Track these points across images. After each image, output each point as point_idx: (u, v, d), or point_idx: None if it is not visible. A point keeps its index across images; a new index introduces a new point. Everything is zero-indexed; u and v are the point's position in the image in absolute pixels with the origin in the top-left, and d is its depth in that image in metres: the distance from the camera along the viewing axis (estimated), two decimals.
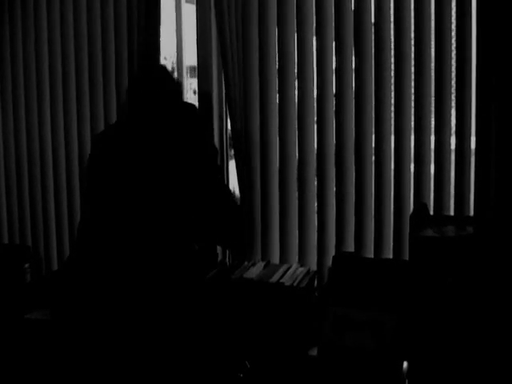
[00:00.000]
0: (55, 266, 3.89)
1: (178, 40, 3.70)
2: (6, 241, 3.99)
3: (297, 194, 3.38)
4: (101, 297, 2.51)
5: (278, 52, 3.32)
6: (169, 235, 2.56)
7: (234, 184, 3.45)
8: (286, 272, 3.15)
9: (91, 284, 2.54)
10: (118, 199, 2.60)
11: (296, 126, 3.34)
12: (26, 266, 3.73)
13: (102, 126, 3.69)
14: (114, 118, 3.67)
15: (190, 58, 3.74)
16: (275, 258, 3.42)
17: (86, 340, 2.54)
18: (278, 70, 3.33)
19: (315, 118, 3.30)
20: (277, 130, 3.37)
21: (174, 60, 3.78)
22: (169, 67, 3.04)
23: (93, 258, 2.57)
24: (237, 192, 3.39)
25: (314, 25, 3.25)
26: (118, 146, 2.71)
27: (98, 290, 2.51)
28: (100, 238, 2.60)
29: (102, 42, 3.68)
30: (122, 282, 2.50)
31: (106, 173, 2.68)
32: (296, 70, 3.31)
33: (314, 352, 2.93)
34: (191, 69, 3.92)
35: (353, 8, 3.18)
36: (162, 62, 3.65)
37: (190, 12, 3.67)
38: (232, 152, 3.57)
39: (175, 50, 3.75)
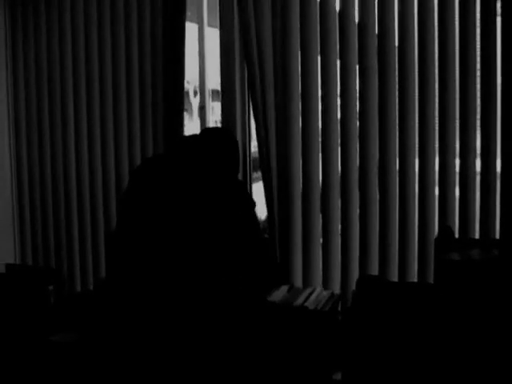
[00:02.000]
0: (78, 288, 3.91)
1: (201, 64, 3.73)
2: (30, 262, 4.01)
3: (321, 217, 3.37)
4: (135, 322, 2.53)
5: (301, 75, 3.33)
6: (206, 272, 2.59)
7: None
8: (309, 296, 3.13)
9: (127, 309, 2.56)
10: (161, 233, 2.62)
11: (320, 149, 3.34)
12: (50, 287, 3.74)
13: (125, 152, 3.73)
14: (137, 144, 3.71)
15: (213, 82, 3.77)
16: (298, 281, 3.40)
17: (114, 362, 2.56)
18: (301, 93, 3.34)
19: (339, 141, 3.29)
20: (300, 152, 3.37)
21: (197, 84, 3.80)
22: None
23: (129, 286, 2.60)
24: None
25: (338, 48, 3.27)
26: (162, 189, 2.72)
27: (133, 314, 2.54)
28: (138, 266, 2.61)
29: (125, 68, 3.73)
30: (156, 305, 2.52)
31: (150, 211, 2.69)
32: (320, 94, 3.32)
33: (338, 376, 2.91)
34: (214, 92, 3.94)
35: (376, 32, 3.18)
36: (185, 85, 3.66)
37: (212, 36, 3.70)
38: (255, 174, 3.58)
39: (198, 73, 3.77)
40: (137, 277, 2.59)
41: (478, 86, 3.04)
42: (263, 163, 3.37)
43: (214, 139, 2.82)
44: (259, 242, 2.72)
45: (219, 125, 3.63)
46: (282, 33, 3.32)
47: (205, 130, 3.00)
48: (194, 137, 2.84)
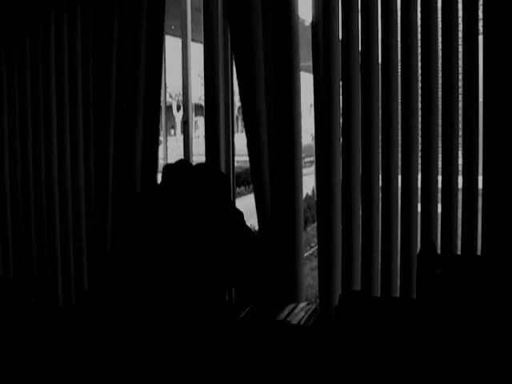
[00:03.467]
0: (61, 302, 3.88)
1: (184, 78, 3.74)
2: (11, 275, 3.99)
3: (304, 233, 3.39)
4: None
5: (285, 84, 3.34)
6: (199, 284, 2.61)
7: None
8: (292, 310, 3.14)
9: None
10: (151, 252, 2.65)
11: (302, 164, 3.37)
12: (32, 301, 3.72)
13: (104, 161, 3.71)
14: (111, 157, 3.68)
15: (195, 96, 3.78)
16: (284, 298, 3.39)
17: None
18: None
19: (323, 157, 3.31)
20: (287, 168, 3.37)
21: (180, 98, 3.80)
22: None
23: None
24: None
25: (322, 62, 3.29)
26: (155, 211, 2.76)
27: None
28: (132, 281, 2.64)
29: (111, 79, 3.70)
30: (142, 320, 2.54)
31: (145, 233, 2.72)
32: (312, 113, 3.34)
33: None
34: (197, 107, 3.95)
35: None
36: (168, 99, 3.67)
37: (196, 51, 3.72)
38: (239, 189, 3.60)
39: (181, 88, 3.78)
40: (132, 288, 2.62)
41: (461, 105, 3.07)
42: (255, 177, 3.38)
43: (205, 181, 2.86)
44: (253, 248, 2.75)
45: (203, 143, 3.63)
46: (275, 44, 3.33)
47: (195, 169, 3.00)
48: (185, 174, 2.87)
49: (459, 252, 3.08)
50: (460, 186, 3.09)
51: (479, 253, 3.03)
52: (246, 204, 3.91)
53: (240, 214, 2.80)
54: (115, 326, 2.62)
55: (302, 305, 3.22)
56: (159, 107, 3.56)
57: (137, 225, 2.78)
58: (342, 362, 2.85)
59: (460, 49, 3.05)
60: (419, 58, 3.13)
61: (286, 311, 3.12)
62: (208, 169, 2.92)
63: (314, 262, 4.86)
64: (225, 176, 2.98)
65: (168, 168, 2.91)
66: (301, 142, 3.36)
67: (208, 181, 2.80)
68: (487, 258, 2.94)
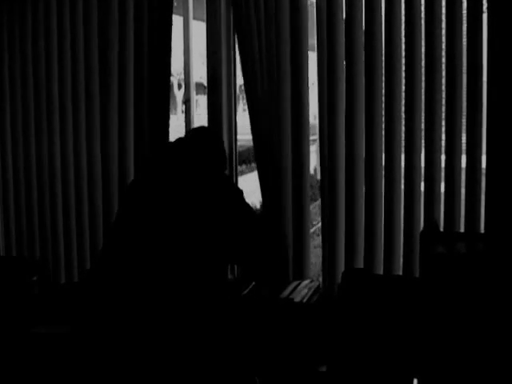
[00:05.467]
0: (63, 279, 3.88)
1: (186, 56, 3.72)
2: (14, 253, 3.98)
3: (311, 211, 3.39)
4: (121, 315, 2.54)
5: (291, 64, 3.33)
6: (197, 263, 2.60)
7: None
8: (295, 288, 3.15)
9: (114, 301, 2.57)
10: (150, 229, 2.63)
11: (309, 141, 3.37)
12: (34, 278, 3.72)
13: (107, 140, 3.71)
14: (115, 128, 3.68)
15: (196, 75, 3.77)
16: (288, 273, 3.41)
17: (103, 357, 2.56)
18: (292, 80, 3.35)
19: (327, 135, 3.32)
20: (290, 143, 3.37)
21: (181, 77, 3.78)
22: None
23: (117, 279, 2.61)
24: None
25: (326, 41, 3.28)
26: (153, 188, 2.73)
27: (119, 307, 2.55)
28: (127, 261, 2.62)
29: (118, 61, 3.67)
30: (142, 299, 2.53)
31: (141, 208, 2.70)
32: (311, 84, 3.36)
33: (323, 368, 2.93)
34: (198, 85, 3.93)
35: (363, 29, 3.21)
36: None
37: (197, 29, 3.70)
38: (240, 167, 3.59)
39: (183, 66, 3.76)
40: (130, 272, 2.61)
41: (465, 86, 3.08)
42: (258, 155, 3.37)
43: (200, 141, 2.83)
44: (255, 225, 2.74)
45: (205, 119, 3.62)
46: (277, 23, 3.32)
47: (190, 133, 2.99)
48: (180, 141, 2.85)
49: (462, 230, 3.10)
50: (463, 165, 3.10)
51: (482, 231, 3.04)
52: (247, 183, 3.91)
53: (240, 192, 2.79)
54: (116, 303, 2.61)
55: (306, 282, 3.23)
56: (168, 85, 3.56)
57: (135, 202, 2.76)
58: (344, 338, 2.87)
59: (464, 26, 3.04)
60: (423, 36, 3.12)
61: (290, 288, 3.13)
62: (204, 136, 2.88)
63: (317, 240, 4.88)
64: (220, 138, 2.97)
65: (166, 146, 2.90)
66: (308, 118, 3.36)
67: (206, 149, 2.78)
68: (490, 235, 2.95)
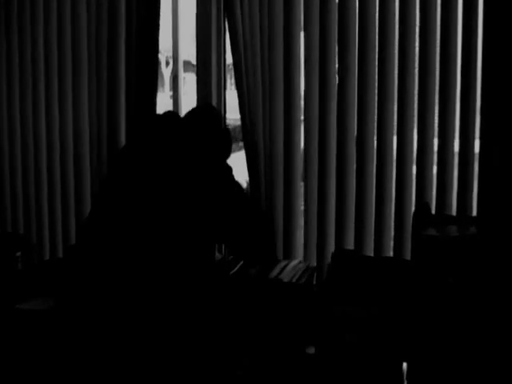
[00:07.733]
0: (47, 255, 3.84)
1: (174, 33, 3.67)
2: None
3: (302, 191, 3.38)
4: (107, 292, 2.50)
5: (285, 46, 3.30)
6: (184, 241, 2.55)
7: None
8: (284, 268, 3.13)
9: (98, 278, 2.52)
10: (136, 205, 2.57)
11: (302, 122, 3.34)
12: (18, 254, 3.67)
13: (96, 119, 3.65)
14: (105, 109, 3.62)
15: (184, 52, 3.72)
16: (279, 253, 3.40)
17: (88, 334, 2.52)
18: (284, 67, 3.32)
19: (317, 116, 3.29)
20: (282, 125, 3.34)
21: (169, 54, 3.74)
22: None
23: (101, 255, 2.56)
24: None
25: (319, 22, 3.24)
26: (140, 162, 2.67)
27: (104, 285, 2.50)
28: (111, 237, 2.57)
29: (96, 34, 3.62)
30: (128, 278, 2.49)
31: (126, 181, 2.64)
32: (303, 66, 3.32)
33: (311, 350, 2.92)
34: (185, 63, 3.89)
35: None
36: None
37: (185, 6, 3.65)
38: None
39: (171, 43, 3.71)
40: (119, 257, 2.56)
41: (459, 69, 3.07)
42: (246, 134, 3.33)
43: (202, 120, 2.77)
44: (244, 203, 2.69)
45: (193, 97, 3.57)
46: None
47: (193, 115, 2.90)
48: (178, 121, 2.77)
49: (454, 213, 3.09)
50: (456, 149, 3.09)
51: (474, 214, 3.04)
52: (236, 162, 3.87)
53: (229, 168, 2.74)
54: (100, 279, 2.56)
55: (295, 262, 3.21)
56: (157, 60, 3.52)
57: (120, 177, 2.70)
58: (333, 320, 2.86)
59: (460, 7, 3.03)
60: (417, 17, 3.10)
61: (279, 268, 3.11)
62: (201, 113, 2.82)
63: None
64: (220, 120, 2.89)
65: (155, 118, 2.84)
66: (300, 96, 3.33)
67: (202, 127, 2.72)
68: (481, 218, 2.95)
